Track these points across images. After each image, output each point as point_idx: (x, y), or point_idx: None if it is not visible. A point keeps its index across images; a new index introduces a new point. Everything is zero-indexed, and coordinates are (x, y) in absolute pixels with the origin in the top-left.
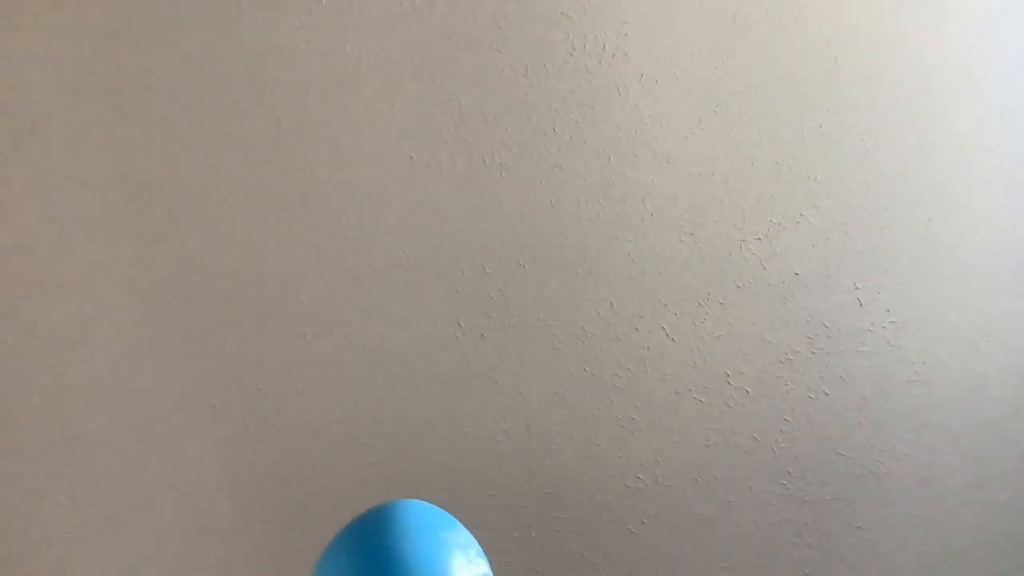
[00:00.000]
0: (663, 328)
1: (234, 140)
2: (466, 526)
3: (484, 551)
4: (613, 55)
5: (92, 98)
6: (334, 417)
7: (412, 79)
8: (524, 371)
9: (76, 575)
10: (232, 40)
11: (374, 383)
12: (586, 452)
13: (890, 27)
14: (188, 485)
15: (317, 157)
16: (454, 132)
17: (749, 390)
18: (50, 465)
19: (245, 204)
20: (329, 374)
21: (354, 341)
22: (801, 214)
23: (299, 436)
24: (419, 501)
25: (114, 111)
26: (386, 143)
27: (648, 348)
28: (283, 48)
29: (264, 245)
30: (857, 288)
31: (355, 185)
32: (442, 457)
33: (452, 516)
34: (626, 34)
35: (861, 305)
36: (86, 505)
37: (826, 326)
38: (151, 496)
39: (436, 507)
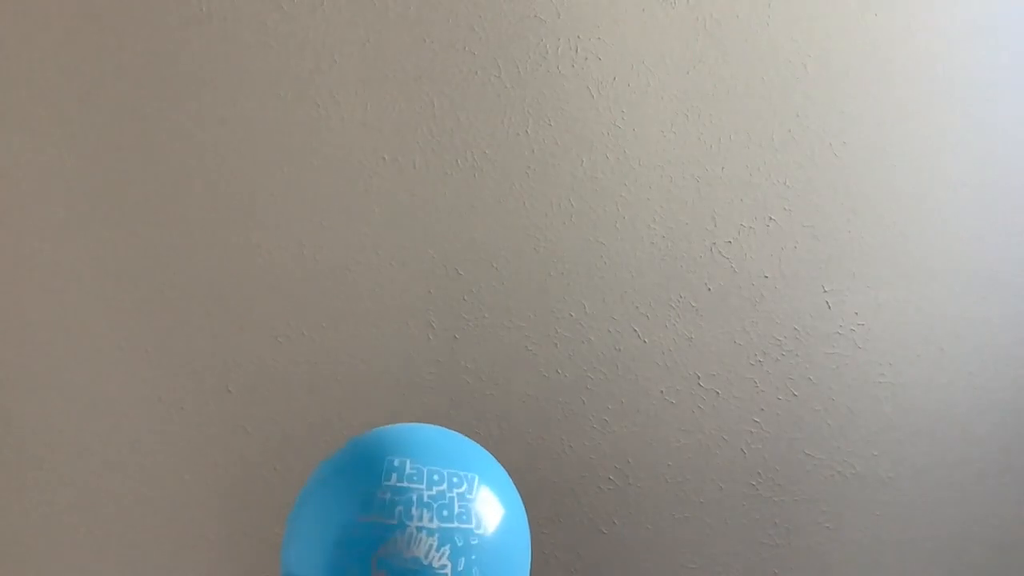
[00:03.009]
0: (634, 330)
1: (205, 140)
2: None
3: None
4: (586, 58)
5: (60, 95)
6: (304, 419)
7: (385, 80)
8: (496, 373)
9: (40, 573)
10: (204, 39)
11: (345, 384)
12: (558, 453)
13: (859, 34)
14: (155, 487)
15: (289, 157)
16: (427, 133)
17: (719, 391)
18: (10, 466)
19: (215, 204)
20: (300, 375)
21: (325, 342)
22: (770, 218)
23: (269, 437)
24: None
25: (84, 109)
26: (359, 143)
27: (619, 350)
28: (255, 48)
29: (235, 245)
30: (825, 291)
31: (328, 185)
32: None
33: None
34: (599, 38)
35: (829, 308)
36: (47, 506)
37: (795, 328)
38: (116, 498)
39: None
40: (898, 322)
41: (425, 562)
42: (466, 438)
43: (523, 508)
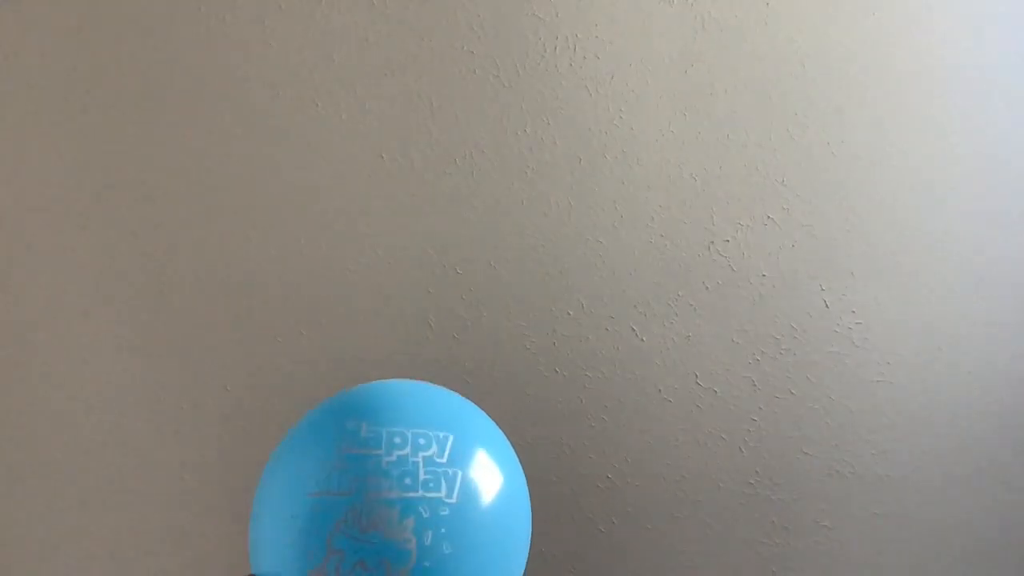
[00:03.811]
0: (633, 329)
1: (204, 140)
2: None
3: None
4: (584, 57)
5: (61, 95)
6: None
7: (384, 78)
8: (495, 372)
9: (37, 572)
10: (202, 38)
11: (344, 384)
12: (556, 452)
13: (858, 34)
14: (154, 487)
15: (288, 156)
16: (426, 132)
17: (717, 390)
18: (11, 465)
19: (215, 204)
20: (299, 375)
21: (324, 341)
22: (768, 216)
23: (267, 436)
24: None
25: (84, 109)
26: (358, 142)
27: (618, 349)
28: (253, 46)
29: (233, 245)
30: (823, 290)
31: (326, 185)
32: None
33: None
34: (597, 36)
35: (827, 307)
36: (47, 503)
37: (793, 327)
38: (115, 497)
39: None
40: (896, 321)
41: (385, 537)
42: (449, 392)
43: (519, 473)
